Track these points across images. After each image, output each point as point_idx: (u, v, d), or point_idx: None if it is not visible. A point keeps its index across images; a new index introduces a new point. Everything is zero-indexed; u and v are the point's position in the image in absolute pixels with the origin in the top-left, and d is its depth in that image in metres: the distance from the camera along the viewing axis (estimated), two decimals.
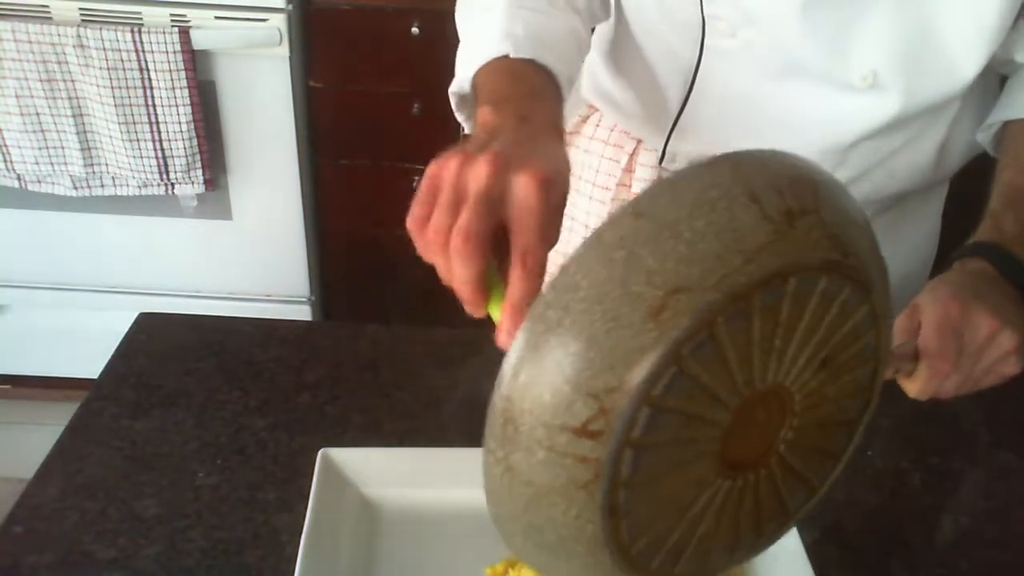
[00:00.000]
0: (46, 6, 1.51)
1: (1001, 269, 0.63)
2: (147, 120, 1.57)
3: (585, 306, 0.34)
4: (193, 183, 1.65)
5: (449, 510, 0.62)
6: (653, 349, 0.33)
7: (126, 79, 1.52)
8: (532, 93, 0.58)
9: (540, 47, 0.62)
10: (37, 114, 1.56)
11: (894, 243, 0.82)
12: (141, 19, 1.51)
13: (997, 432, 0.77)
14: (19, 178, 1.65)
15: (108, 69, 1.51)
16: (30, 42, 1.50)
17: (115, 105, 1.54)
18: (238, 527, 0.61)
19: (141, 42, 1.50)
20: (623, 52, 0.84)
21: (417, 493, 0.63)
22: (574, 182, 0.92)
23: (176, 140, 1.59)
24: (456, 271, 0.47)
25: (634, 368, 0.33)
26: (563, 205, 0.49)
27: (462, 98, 0.65)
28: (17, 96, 1.54)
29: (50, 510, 0.61)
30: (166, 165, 1.62)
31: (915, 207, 0.88)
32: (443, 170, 0.48)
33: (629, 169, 0.88)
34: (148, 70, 1.52)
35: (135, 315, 0.81)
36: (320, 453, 0.62)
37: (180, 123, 1.58)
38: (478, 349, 0.81)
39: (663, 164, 0.85)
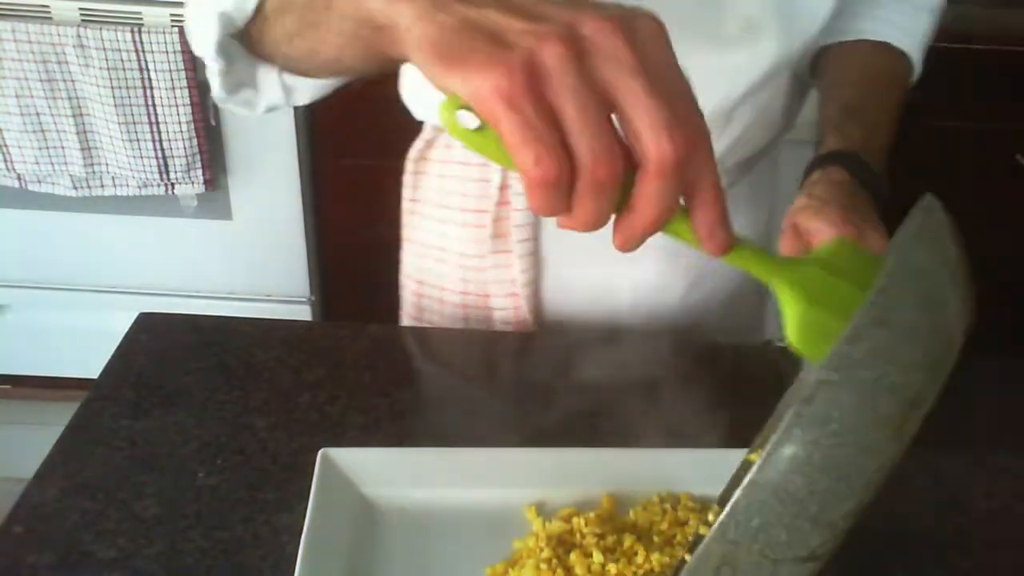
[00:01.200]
0: (46, 6, 1.51)
1: (859, 177, 0.65)
2: (147, 120, 1.57)
3: (837, 440, 0.31)
4: (193, 183, 1.65)
5: (449, 510, 0.62)
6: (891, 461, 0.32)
7: (126, 79, 1.53)
8: None
9: None
10: (37, 114, 1.56)
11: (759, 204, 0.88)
12: (141, 19, 1.51)
13: (997, 432, 0.76)
14: (19, 178, 1.65)
15: (108, 69, 1.51)
16: (30, 42, 1.50)
17: (115, 105, 1.54)
18: (238, 527, 0.61)
19: (141, 42, 1.50)
20: None
21: (417, 493, 0.63)
22: (441, 212, 0.87)
23: (176, 140, 1.59)
24: (662, 191, 0.33)
25: (871, 490, 0.32)
26: None
27: (226, 46, 0.49)
28: (17, 96, 1.54)
29: (50, 510, 0.61)
30: (166, 165, 1.62)
31: (760, 166, 0.89)
32: (538, 74, 0.31)
33: (504, 186, 0.81)
34: (148, 70, 1.52)
35: (135, 315, 0.81)
36: (320, 453, 0.62)
37: (180, 123, 1.58)
38: (478, 348, 0.81)
39: None
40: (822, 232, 0.61)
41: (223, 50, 0.52)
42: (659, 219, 0.33)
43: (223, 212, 1.73)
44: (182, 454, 0.67)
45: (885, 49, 0.81)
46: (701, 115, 0.34)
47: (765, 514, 0.32)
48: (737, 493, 0.32)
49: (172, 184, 1.65)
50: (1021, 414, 0.79)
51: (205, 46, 0.51)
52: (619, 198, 0.33)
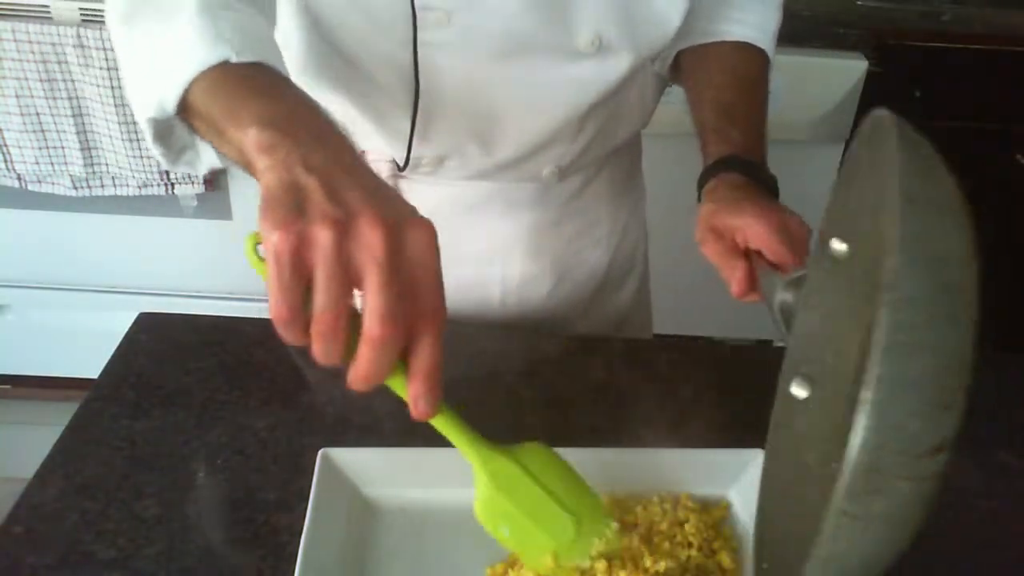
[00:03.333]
0: (46, 6, 1.51)
1: (751, 176, 0.71)
2: None
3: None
4: (193, 183, 1.65)
5: (449, 510, 0.62)
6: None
7: None
8: (306, 104, 0.47)
9: (261, 47, 0.51)
10: (37, 114, 1.56)
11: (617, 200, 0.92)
12: None
13: (997, 432, 0.77)
14: (19, 178, 1.65)
15: (108, 69, 1.51)
16: (30, 42, 1.49)
17: (115, 105, 1.54)
18: (238, 527, 0.61)
19: None
20: (329, 71, 0.75)
21: (417, 493, 0.63)
22: None
23: None
24: (372, 358, 0.41)
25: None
26: None
27: (162, 123, 0.53)
28: (17, 96, 1.54)
29: (50, 510, 0.61)
30: None
31: (619, 160, 0.92)
32: (308, 244, 0.39)
33: None
34: None
35: (135, 315, 0.81)
36: (320, 453, 0.62)
37: None
38: (479, 348, 0.81)
39: (406, 171, 0.80)
40: (749, 227, 0.64)
41: (159, 135, 0.55)
42: (371, 375, 0.42)
43: (223, 212, 1.73)
44: (182, 454, 0.67)
45: (745, 48, 0.83)
46: (437, 309, 0.43)
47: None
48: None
49: (172, 184, 1.65)
50: (1021, 414, 0.79)
51: (144, 131, 0.55)
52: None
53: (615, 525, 0.55)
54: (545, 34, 0.70)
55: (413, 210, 0.43)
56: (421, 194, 0.83)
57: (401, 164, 0.79)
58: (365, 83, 0.74)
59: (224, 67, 0.49)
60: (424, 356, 0.43)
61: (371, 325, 0.40)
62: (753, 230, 0.64)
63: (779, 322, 0.59)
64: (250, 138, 0.44)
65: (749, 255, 0.66)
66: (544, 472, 0.54)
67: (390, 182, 0.82)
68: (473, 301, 0.89)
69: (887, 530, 0.37)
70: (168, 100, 0.50)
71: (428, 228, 0.42)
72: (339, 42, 0.72)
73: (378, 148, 0.80)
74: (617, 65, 0.74)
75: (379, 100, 0.75)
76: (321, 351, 0.42)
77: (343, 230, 0.39)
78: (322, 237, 0.39)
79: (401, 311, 0.41)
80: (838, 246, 0.53)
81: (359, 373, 0.42)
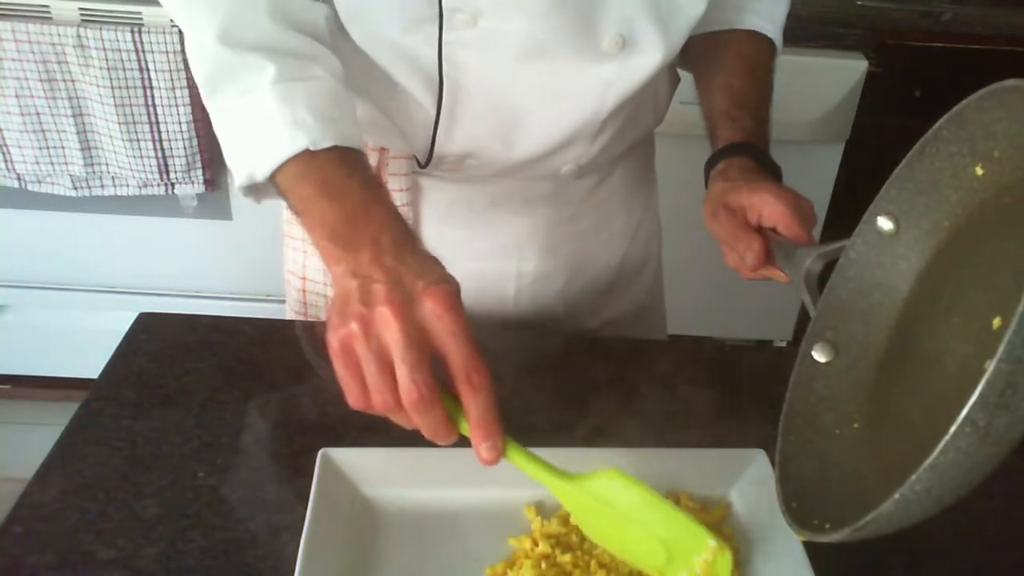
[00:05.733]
0: (46, 6, 1.51)
1: (760, 162, 0.74)
2: (147, 120, 1.57)
3: None
4: (193, 183, 1.65)
5: (449, 510, 0.62)
6: None
7: (126, 79, 1.53)
8: (364, 203, 0.56)
9: (332, 125, 0.59)
10: (37, 114, 1.56)
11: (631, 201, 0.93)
12: (141, 19, 1.51)
13: None
14: (19, 178, 1.65)
15: (108, 69, 1.51)
16: (30, 42, 1.50)
17: (115, 105, 1.54)
18: (238, 527, 0.61)
19: (141, 42, 1.50)
20: (354, 68, 0.75)
21: (417, 493, 0.63)
22: None
23: (176, 140, 1.59)
24: (422, 422, 0.50)
25: None
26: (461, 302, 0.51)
27: (252, 186, 0.62)
28: (17, 96, 1.54)
29: (50, 510, 0.61)
30: (166, 165, 1.62)
31: (634, 156, 0.93)
32: (349, 341, 0.49)
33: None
34: (148, 70, 1.52)
35: (135, 315, 0.81)
36: (320, 453, 0.62)
37: (180, 123, 1.58)
38: (481, 347, 0.81)
39: (427, 168, 0.81)
40: (766, 204, 0.67)
41: (249, 190, 0.63)
42: (431, 434, 0.51)
43: (223, 212, 1.73)
44: (182, 454, 0.67)
45: (754, 37, 0.84)
46: (470, 365, 0.49)
47: None
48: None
49: (172, 184, 1.66)
50: None
51: (235, 183, 0.63)
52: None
53: (712, 543, 0.54)
54: (570, 36, 0.71)
55: (437, 277, 0.51)
56: (439, 191, 0.84)
57: (423, 162, 0.80)
58: (389, 81, 0.75)
59: (304, 155, 0.58)
60: (472, 409, 0.50)
61: (403, 393, 0.48)
62: (770, 208, 0.67)
63: (803, 290, 0.62)
64: (322, 248, 0.55)
65: (762, 232, 0.68)
66: (623, 499, 0.55)
67: (409, 180, 0.82)
68: (488, 297, 0.89)
69: (990, 453, 0.39)
70: (257, 177, 0.60)
71: (442, 296, 0.49)
72: (364, 40, 0.73)
73: (400, 146, 0.80)
74: (643, 62, 0.74)
75: (403, 98, 0.76)
76: (399, 421, 0.51)
77: (368, 323, 0.49)
78: (353, 331, 0.49)
79: (424, 377, 0.48)
80: (885, 224, 0.58)
81: (425, 433, 0.51)
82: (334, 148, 0.58)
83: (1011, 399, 0.38)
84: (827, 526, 0.48)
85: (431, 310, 0.49)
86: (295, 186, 0.58)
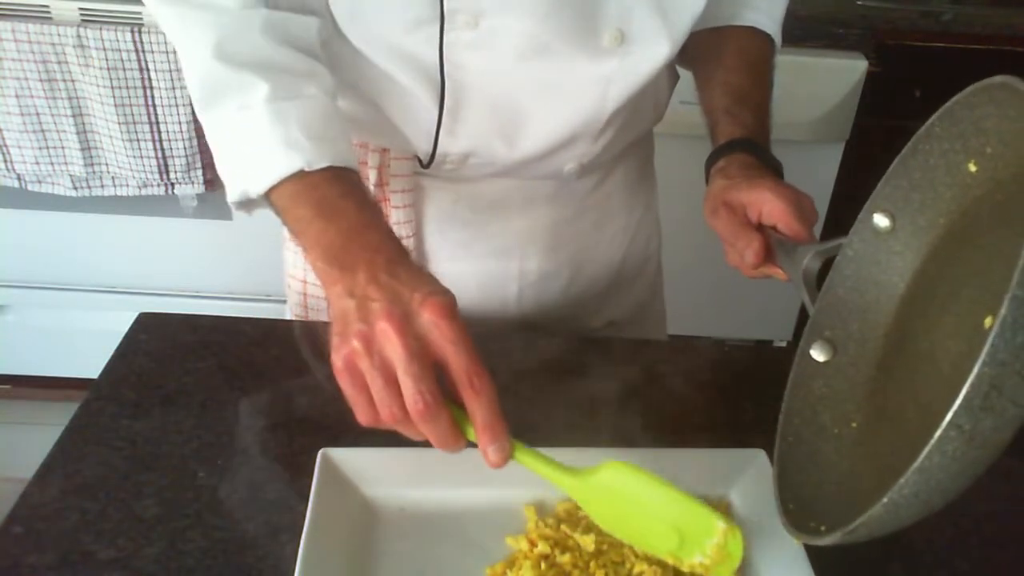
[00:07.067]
0: (46, 6, 1.51)
1: (760, 158, 0.74)
2: (147, 120, 1.57)
3: None
4: (193, 183, 1.65)
5: (449, 510, 0.62)
6: None
7: (126, 79, 1.53)
8: (358, 224, 0.57)
9: (327, 145, 0.60)
10: (37, 114, 1.56)
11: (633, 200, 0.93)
12: (141, 19, 1.51)
13: None
14: (19, 178, 1.65)
15: (108, 69, 1.51)
16: (30, 42, 1.50)
17: (115, 105, 1.54)
18: (238, 527, 0.61)
19: (141, 42, 1.50)
20: (356, 69, 0.77)
21: (417, 493, 0.63)
22: None
23: (176, 140, 1.59)
24: (430, 432, 0.50)
25: None
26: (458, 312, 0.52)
27: (245, 201, 0.63)
28: (17, 96, 1.54)
29: (50, 510, 0.61)
30: (166, 165, 1.62)
31: (634, 155, 0.93)
32: (353, 360, 0.50)
33: (382, 183, 0.82)
34: (148, 70, 1.52)
35: (135, 315, 0.81)
36: (320, 453, 0.62)
37: (180, 123, 1.58)
38: (481, 348, 0.81)
39: (429, 168, 0.81)
40: (766, 202, 0.67)
41: (241, 205, 0.64)
42: (439, 443, 0.51)
43: (223, 212, 1.73)
44: (182, 454, 0.67)
45: (753, 33, 0.84)
46: (471, 372, 0.50)
47: None
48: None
49: (172, 184, 1.65)
50: None
51: (228, 196, 0.64)
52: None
53: (722, 525, 0.55)
54: (570, 34, 0.71)
55: (433, 289, 0.51)
56: (441, 192, 0.84)
57: (425, 161, 0.80)
58: (390, 82, 0.75)
59: (299, 175, 0.59)
60: (477, 413, 0.50)
61: (409, 405, 0.49)
62: (770, 205, 0.66)
63: (802, 288, 0.62)
64: (318, 270, 0.56)
65: (763, 229, 0.68)
66: (631, 489, 0.56)
67: (412, 180, 0.82)
68: (491, 297, 0.89)
69: (977, 457, 0.39)
70: (251, 194, 0.61)
71: (439, 307, 0.50)
72: (364, 42, 0.73)
73: (402, 146, 0.80)
74: (644, 59, 0.74)
75: (405, 98, 0.76)
76: (408, 434, 0.52)
77: (369, 340, 0.50)
78: (356, 349, 0.50)
79: (429, 387, 0.49)
80: (881, 220, 0.58)
81: (435, 443, 0.51)
82: (328, 168, 0.59)
83: (996, 402, 0.37)
84: (822, 528, 0.48)
85: (429, 321, 0.50)
86: (291, 206, 0.59)
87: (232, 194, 0.63)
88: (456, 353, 0.50)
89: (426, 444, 0.52)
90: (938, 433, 0.38)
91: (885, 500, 0.41)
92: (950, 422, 0.37)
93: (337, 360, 0.51)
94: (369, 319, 0.50)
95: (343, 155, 0.61)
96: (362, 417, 0.51)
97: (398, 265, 0.54)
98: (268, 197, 0.61)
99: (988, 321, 0.45)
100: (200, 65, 0.63)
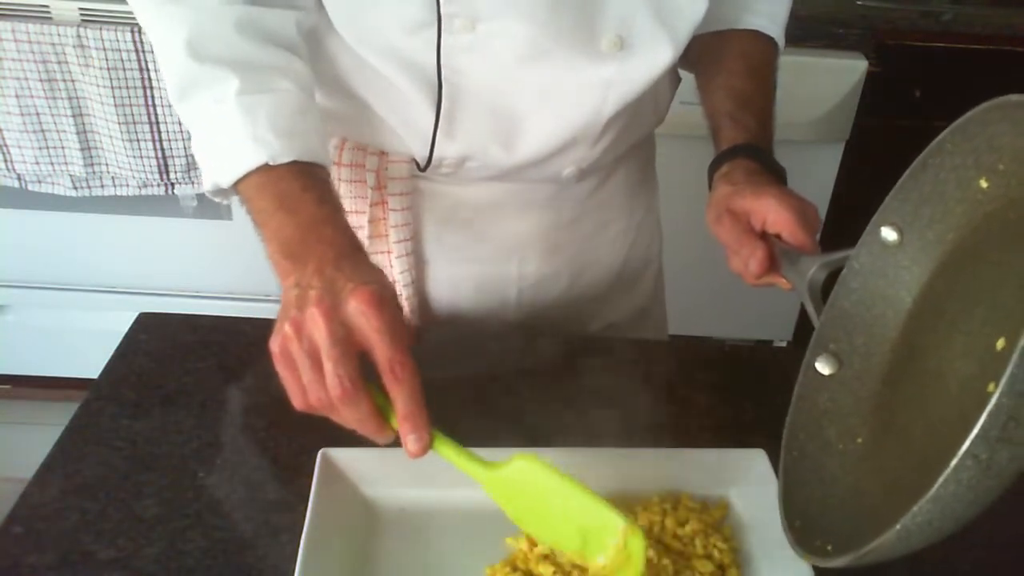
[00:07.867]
0: (46, 6, 1.51)
1: (764, 164, 0.73)
2: (147, 120, 1.57)
3: None
4: (193, 183, 1.65)
5: (449, 510, 0.62)
6: None
7: (126, 79, 1.53)
8: (315, 219, 0.58)
9: (293, 140, 0.61)
10: (37, 114, 1.56)
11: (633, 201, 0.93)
12: None
13: None
14: (19, 178, 1.65)
15: (108, 69, 1.51)
16: (30, 42, 1.50)
17: (115, 105, 1.54)
18: (238, 527, 0.61)
19: (141, 42, 1.50)
20: (353, 72, 0.77)
21: (417, 493, 0.63)
22: None
23: (176, 140, 1.59)
24: (350, 416, 0.52)
25: None
26: (399, 307, 0.54)
27: (218, 190, 0.65)
28: (17, 96, 1.54)
29: (50, 510, 0.61)
30: (166, 165, 1.62)
31: (635, 158, 0.92)
32: (285, 344, 0.52)
33: (380, 186, 0.82)
34: (148, 70, 1.52)
35: (135, 315, 0.81)
36: (320, 453, 0.62)
37: (180, 123, 1.57)
38: (481, 349, 0.81)
39: (427, 171, 0.80)
40: (770, 210, 0.66)
41: (216, 194, 0.66)
42: (360, 427, 0.53)
43: (223, 212, 1.73)
44: (182, 454, 0.67)
45: (756, 37, 0.84)
46: (392, 360, 0.51)
47: None
48: (1020, 342, 0.35)
49: (172, 184, 1.65)
50: None
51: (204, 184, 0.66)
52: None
53: (621, 525, 0.54)
54: (569, 38, 0.71)
55: (368, 279, 0.53)
56: (440, 195, 0.83)
57: (422, 165, 0.80)
58: (388, 85, 0.75)
59: (264, 168, 0.60)
60: (398, 401, 0.51)
61: (329, 388, 0.51)
62: (774, 214, 0.66)
63: (807, 300, 0.61)
64: (274, 262, 0.58)
65: (766, 237, 0.67)
66: (535, 485, 0.55)
67: (410, 184, 0.82)
68: (490, 300, 0.89)
69: (992, 486, 0.39)
70: (220, 185, 0.63)
71: (366, 295, 0.51)
72: (361, 45, 0.73)
73: (399, 149, 0.80)
74: (644, 64, 0.74)
75: (402, 101, 0.76)
76: (337, 419, 0.53)
77: (299, 325, 0.52)
78: (287, 334, 0.52)
79: (349, 372, 0.50)
80: (889, 234, 0.57)
81: (356, 428, 0.53)
82: (294, 163, 0.61)
83: (1014, 432, 0.37)
84: (829, 547, 0.48)
85: (356, 309, 0.51)
86: (255, 197, 0.61)
87: (206, 183, 0.64)
88: (380, 341, 0.51)
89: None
90: (954, 462, 0.37)
91: (898, 527, 0.40)
92: (966, 451, 0.37)
93: (273, 345, 0.53)
94: (302, 306, 0.52)
95: (312, 150, 0.62)
96: (295, 401, 0.53)
97: (346, 259, 0.55)
98: (236, 189, 0.63)
99: (1000, 343, 0.45)
100: (173, 60, 0.64)
